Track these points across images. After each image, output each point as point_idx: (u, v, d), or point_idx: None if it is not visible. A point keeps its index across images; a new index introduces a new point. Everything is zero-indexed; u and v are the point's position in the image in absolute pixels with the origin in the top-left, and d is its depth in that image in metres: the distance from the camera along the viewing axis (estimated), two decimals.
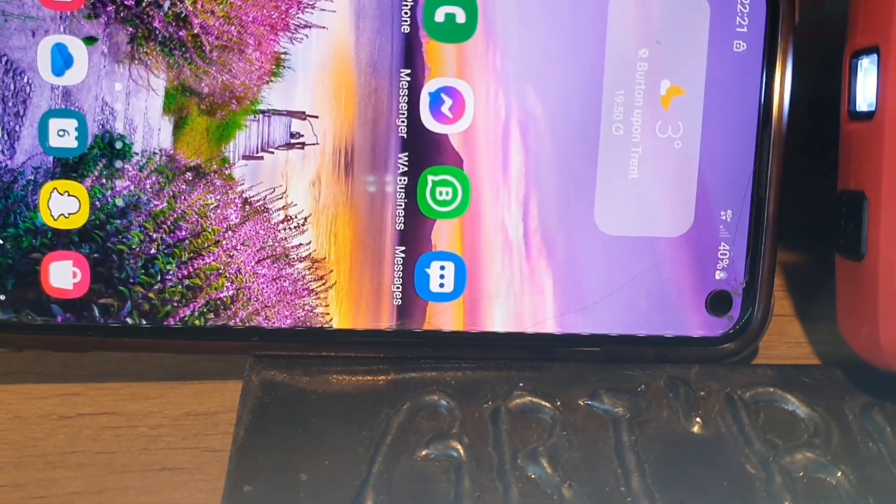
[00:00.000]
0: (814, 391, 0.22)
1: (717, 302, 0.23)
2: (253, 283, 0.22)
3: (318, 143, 0.22)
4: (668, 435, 0.21)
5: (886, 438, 0.21)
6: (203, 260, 0.22)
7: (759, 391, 0.22)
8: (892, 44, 0.21)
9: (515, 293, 0.22)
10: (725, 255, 0.23)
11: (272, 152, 0.21)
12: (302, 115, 0.21)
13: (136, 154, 0.21)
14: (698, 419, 0.22)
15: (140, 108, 0.21)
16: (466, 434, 0.21)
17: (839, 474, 0.21)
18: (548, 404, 0.22)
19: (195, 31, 0.21)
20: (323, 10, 0.21)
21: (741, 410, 0.22)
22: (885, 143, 0.21)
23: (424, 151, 0.22)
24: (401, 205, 0.22)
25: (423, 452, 0.20)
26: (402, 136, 0.22)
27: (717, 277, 0.23)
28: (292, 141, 0.21)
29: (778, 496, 0.20)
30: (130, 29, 0.21)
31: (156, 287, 0.22)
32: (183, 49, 0.21)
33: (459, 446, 0.20)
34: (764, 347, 0.25)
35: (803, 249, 0.27)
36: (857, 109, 0.22)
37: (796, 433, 0.22)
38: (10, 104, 0.21)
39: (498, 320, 0.23)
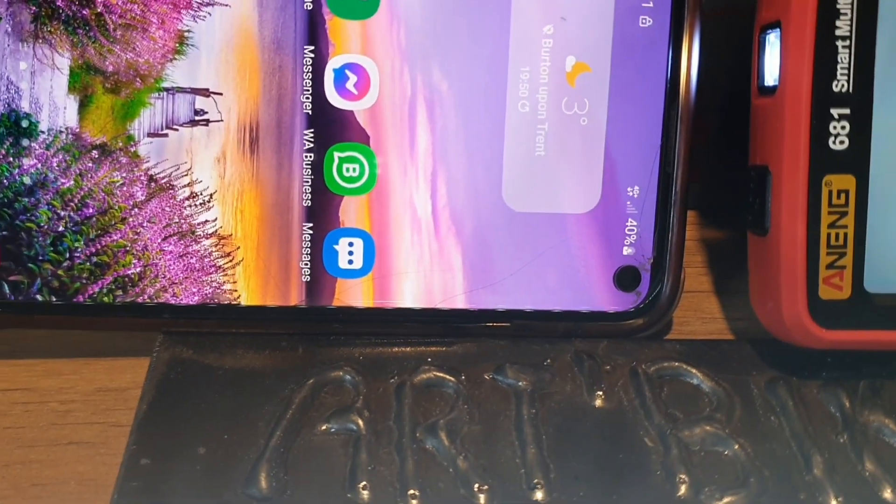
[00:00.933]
0: (720, 366, 0.23)
1: (625, 277, 0.23)
2: (160, 259, 0.22)
3: (222, 120, 0.22)
4: (568, 408, 0.21)
5: (788, 412, 0.22)
6: (110, 237, 0.22)
7: (664, 366, 0.22)
8: (792, 18, 0.21)
9: (425, 269, 0.23)
10: (633, 230, 0.23)
11: (177, 129, 0.22)
12: (206, 93, 0.22)
13: (43, 132, 0.21)
14: (600, 393, 0.22)
15: (45, 86, 0.21)
16: (368, 408, 0.21)
17: (736, 447, 0.21)
18: (452, 378, 0.22)
19: (98, 10, 0.21)
20: None
21: (644, 384, 0.22)
22: (786, 116, 0.21)
23: (330, 128, 0.22)
24: (307, 182, 0.22)
25: (324, 427, 0.21)
26: (308, 113, 0.22)
27: (625, 253, 0.23)
28: (196, 118, 0.22)
29: (672, 469, 0.20)
30: (34, 8, 0.21)
31: (65, 264, 0.22)
32: (87, 27, 0.21)
33: (360, 420, 0.21)
34: (678, 323, 0.25)
35: (724, 226, 0.27)
36: (765, 84, 0.22)
37: (698, 407, 0.22)
38: None
39: (408, 296, 0.23)
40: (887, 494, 0.20)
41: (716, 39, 0.23)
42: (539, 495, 0.19)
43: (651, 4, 0.22)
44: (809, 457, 0.20)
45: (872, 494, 0.20)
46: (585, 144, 0.22)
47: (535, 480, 0.20)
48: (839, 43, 0.20)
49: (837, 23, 0.20)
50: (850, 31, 0.20)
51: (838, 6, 0.20)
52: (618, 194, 0.23)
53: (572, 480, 0.20)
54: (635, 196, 0.23)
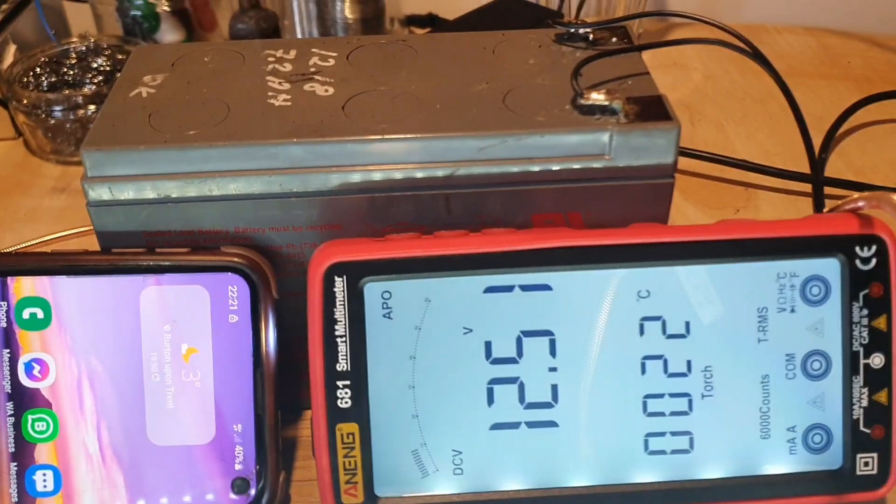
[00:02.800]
0: None
1: (239, 484, 0.34)
2: None
3: None
4: None
5: None
6: None
7: None
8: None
9: (98, 488, 0.33)
10: (240, 453, 0.34)
11: None
12: None
13: None
14: None
15: None
16: None
17: None
18: None
19: None
20: None
21: None
22: (314, 386, 0.32)
23: (24, 400, 0.33)
24: (11, 435, 0.33)
25: None
26: (8, 392, 0.33)
27: (237, 468, 0.34)
28: None
29: None
30: None
31: None
32: None
33: None
34: None
35: None
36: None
37: None
38: None
39: None
40: None
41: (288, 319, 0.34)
42: None
43: (236, 306, 0.33)
44: None
45: None
46: (201, 399, 0.33)
47: None
48: (337, 336, 0.31)
49: (336, 314, 0.31)
50: (344, 329, 0.31)
51: (336, 327, 0.31)
52: (227, 430, 0.33)
53: None
54: (239, 431, 0.33)
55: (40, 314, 0.33)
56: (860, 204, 0.32)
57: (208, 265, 0.33)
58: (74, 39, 0.61)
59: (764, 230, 0.32)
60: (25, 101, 0.55)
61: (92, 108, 0.55)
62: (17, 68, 0.58)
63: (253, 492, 0.34)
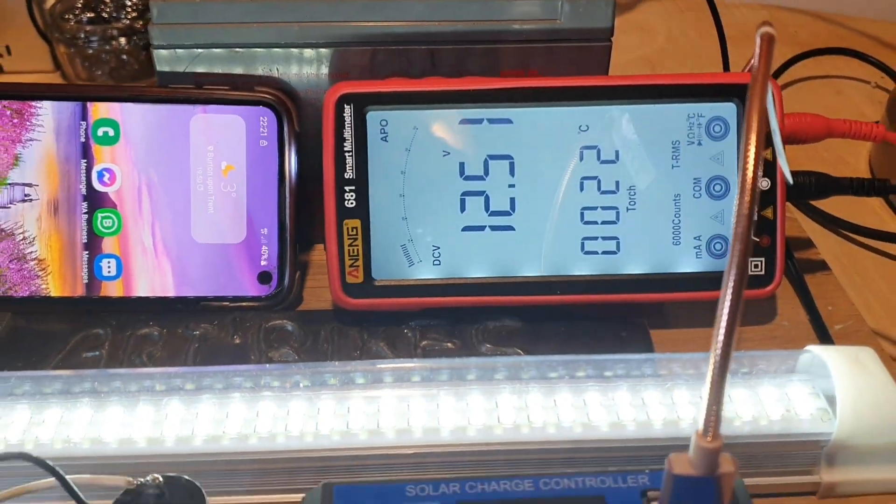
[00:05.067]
0: (306, 318, 0.42)
1: (263, 277, 0.43)
2: (7, 273, 0.41)
3: (39, 199, 0.41)
4: (219, 345, 0.41)
5: (334, 343, 0.41)
6: None
7: (273, 323, 0.42)
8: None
9: (151, 275, 0.42)
10: (266, 251, 0.42)
11: (14, 204, 0.41)
12: (30, 185, 0.41)
13: None
14: (237, 337, 0.41)
15: None
16: (111, 347, 0.40)
17: (299, 360, 0.40)
18: (158, 330, 0.41)
19: None
20: (40, 130, 0.41)
21: (261, 332, 0.41)
22: (326, 191, 0.41)
23: (96, 201, 0.41)
24: (84, 229, 0.42)
25: (84, 355, 0.40)
26: (83, 194, 0.41)
27: (262, 264, 0.42)
28: (25, 198, 0.41)
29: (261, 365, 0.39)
30: None
31: None
32: None
33: (104, 351, 0.40)
34: (308, 299, 0.44)
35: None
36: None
37: (288, 341, 0.41)
38: None
39: (142, 290, 0.42)
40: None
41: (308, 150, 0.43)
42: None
43: (266, 132, 0.42)
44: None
45: None
46: (236, 206, 0.42)
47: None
48: (345, 151, 0.40)
49: (345, 134, 0.40)
50: (351, 147, 0.40)
51: (345, 144, 0.40)
52: (256, 232, 0.42)
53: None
54: (265, 234, 0.42)
55: (111, 132, 0.41)
56: (753, 62, 0.41)
57: (244, 99, 0.42)
58: None
59: (679, 79, 0.41)
60: (66, 33, 0.63)
61: (123, 40, 0.63)
62: (58, 6, 0.67)
63: (274, 283, 0.43)
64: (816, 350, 0.36)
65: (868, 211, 0.53)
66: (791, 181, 0.41)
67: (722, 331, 0.25)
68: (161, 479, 0.28)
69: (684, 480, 0.27)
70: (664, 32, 0.75)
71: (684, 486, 0.27)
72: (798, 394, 0.35)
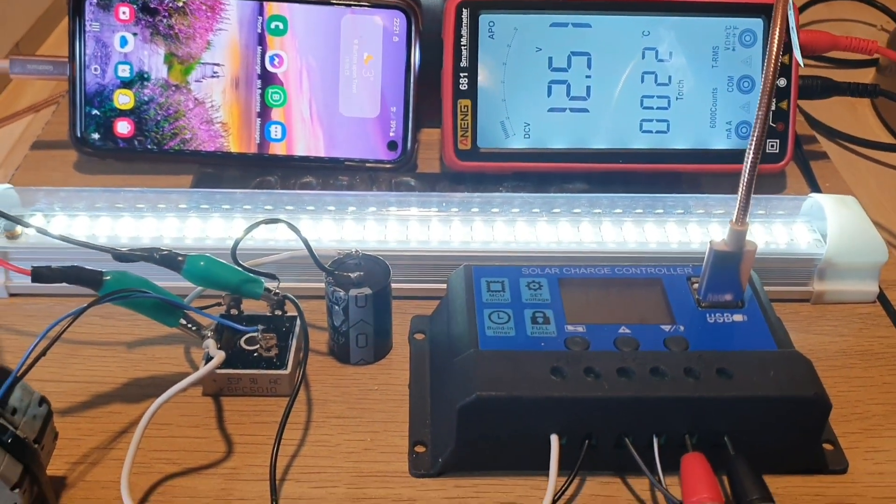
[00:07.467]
0: (426, 179, 0.54)
1: (392, 145, 0.55)
2: (198, 132, 0.54)
3: (224, 76, 0.54)
4: (360, 186, 0.53)
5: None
6: (178, 122, 0.53)
7: (401, 179, 0.54)
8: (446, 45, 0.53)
9: (307, 140, 0.54)
10: (394, 125, 0.55)
11: (205, 79, 0.53)
12: (218, 65, 0.53)
13: (153, 79, 0.53)
14: (374, 188, 0.54)
15: (157, 61, 0.53)
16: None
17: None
18: (314, 180, 0.54)
19: (176, 31, 0.53)
20: (227, 22, 0.53)
21: (392, 185, 0.54)
22: (444, 81, 0.53)
23: (267, 79, 0.54)
24: (258, 101, 0.54)
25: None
26: (258, 73, 0.54)
27: (391, 135, 0.55)
28: (214, 74, 0.53)
29: None
30: (149, 30, 0.53)
31: (158, 132, 0.54)
32: (173, 37, 0.53)
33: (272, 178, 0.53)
34: (422, 164, 0.57)
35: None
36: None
37: (411, 188, 0.54)
38: None
39: (301, 150, 0.55)
40: None
41: (429, 48, 0.55)
42: None
43: (398, 30, 0.54)
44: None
45: None
46: (372, 88, 0.54)
47: None
48: (462, 45, 0.52)
49: (462, 32, 0.52)
50: (466, 41, 0.52)
51: (461, 39, 0.52)
52: (387, 109, 0.55)
53: None
54: (394, 111, 0.55)
55: (281, 26, 0.54)
56: None
57: (383, 4, 0.54)
58: None
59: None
60: None
61: None
62: None
63: (399, 150, 0.55)
64: (816, 196, 0.48)
65: (865, 127, 0.66)
66: (802, 64, 0.52)
67: (752, 147, 0.37)
68: (360, 252, 0.41)
69: (720, 255, 0.40)
70: None
71: (720, 258, 0.40)
72: (800, 228, 0.48)
